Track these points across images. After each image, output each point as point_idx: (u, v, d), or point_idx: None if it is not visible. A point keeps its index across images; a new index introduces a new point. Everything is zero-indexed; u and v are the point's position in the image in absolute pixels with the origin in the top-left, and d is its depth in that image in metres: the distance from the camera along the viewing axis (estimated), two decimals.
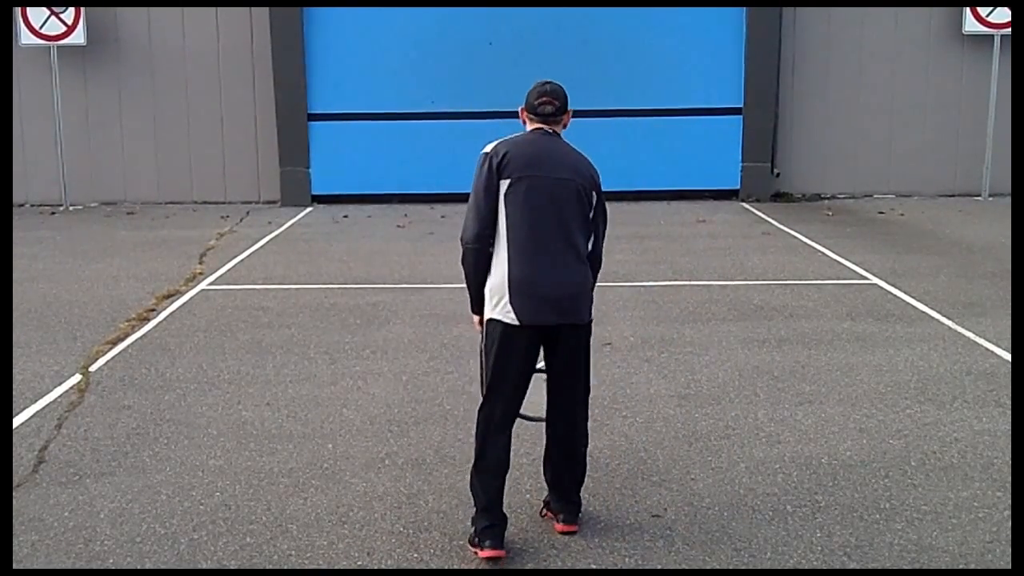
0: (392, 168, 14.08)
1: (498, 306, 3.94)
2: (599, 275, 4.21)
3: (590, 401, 4.23)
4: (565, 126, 4.19)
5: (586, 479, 4.33)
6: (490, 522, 3.95)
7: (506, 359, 3.96)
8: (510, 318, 3.91)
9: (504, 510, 4.04)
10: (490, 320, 3.99)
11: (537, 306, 3.92)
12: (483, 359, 4.05)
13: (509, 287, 3.91)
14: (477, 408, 4.09)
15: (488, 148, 4.06)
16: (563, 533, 4.18)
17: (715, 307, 7.91)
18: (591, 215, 4.07)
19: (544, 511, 4.34)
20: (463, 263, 4.08)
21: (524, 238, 3.93)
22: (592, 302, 4.11)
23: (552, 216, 3.96)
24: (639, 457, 4.97)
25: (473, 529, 4.02)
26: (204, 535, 4.23)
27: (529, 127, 4.15)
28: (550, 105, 4.08)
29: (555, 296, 3.94)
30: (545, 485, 4.34)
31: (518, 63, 13.63)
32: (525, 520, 4.33)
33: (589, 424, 4.26)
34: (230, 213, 13.31)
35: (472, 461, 4.07)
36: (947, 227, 11.67)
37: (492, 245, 4.01)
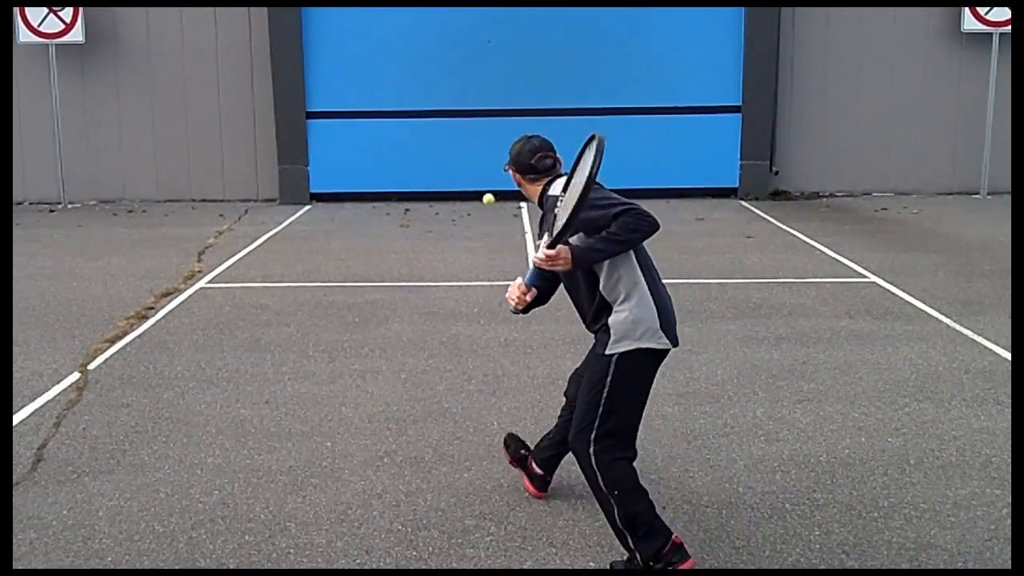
0: (391, 166, 14.08)
1: (645, 335, 3.71)
2: None
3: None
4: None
5: (583, 477, 4.33)
6: (674, 538, 3.74)
7: (647, 388, 3.83)
8: (663, 344, 3.75)
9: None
10: (636, 351, 3.71)
11: (673, 329, 3.81)
12: (615, 395, 3.74)
13: (659, 315, 3.73)
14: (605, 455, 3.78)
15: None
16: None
17: (713, 305, 7.91)
18: None
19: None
20: (646, 231, 3.65)
21: (652, 269, 3.82)
22: None
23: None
24: (637, 455, 4.96)
25: (651, 554, 3.71)
26: (203, 533, 4.23)
27: (537, 188, 3.95)
28: (548, 158, 3.94)
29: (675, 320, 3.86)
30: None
31: (517, 61, 13.65)
32: (524, 519, 4.33)
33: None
34: (228, 211, 13.31)
35: (618, 503, 3.76)
36: (946, 225, 11.68)
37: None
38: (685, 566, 3.69)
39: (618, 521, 3.75)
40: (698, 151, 14.13)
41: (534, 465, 4.51)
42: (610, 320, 3.74)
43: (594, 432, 3.76)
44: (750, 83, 13.86)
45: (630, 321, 3.70)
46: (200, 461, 4.99)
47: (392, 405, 5.76)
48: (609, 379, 3.73)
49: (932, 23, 14.00)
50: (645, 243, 3.77)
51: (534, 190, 3.98)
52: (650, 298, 3.73)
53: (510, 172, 4.02)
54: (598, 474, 3.76)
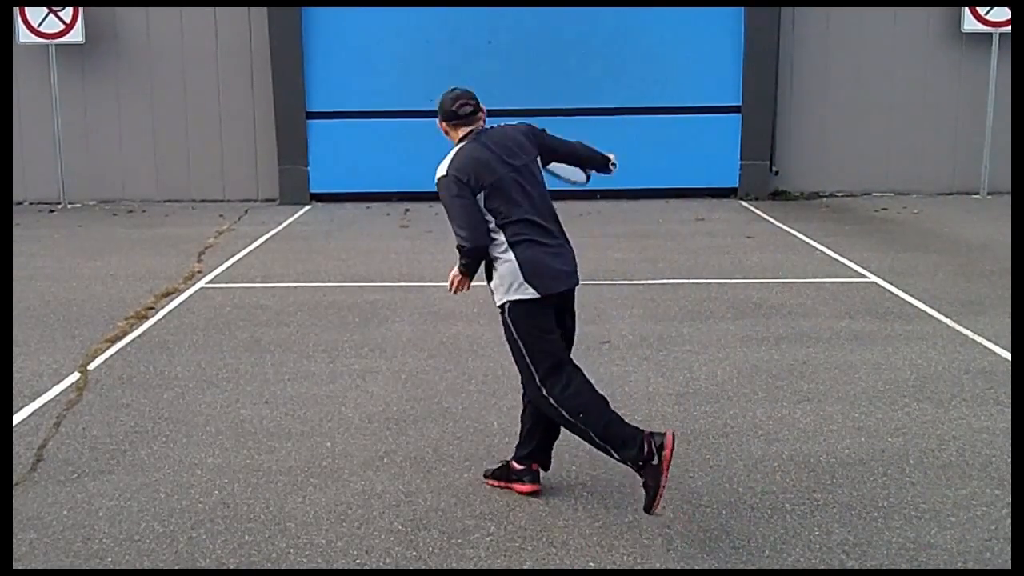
0: (390, 166, 14.07)
1: (512, 289, 4.22)
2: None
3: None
4: (483, 122, 4.43)
5: (584, 478, 4.36)
6: (644, 434, 4.01)
7: (546, 327, 4.23)
8: (530, 294, 4.19)
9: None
10: (510, 302, 4.24)
11: (544, 278, 4.23)
12: (524, 338, 4.22)
13: (522, 270, 4.19)
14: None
15: (446, 172, 4.28)
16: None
17: (714, 305, 7.92)
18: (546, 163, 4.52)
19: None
20: (471, 265, 4.32)
21: (522, 228, 4.23)
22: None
23: (531, 201, 4.28)
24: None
25: (635, 457, 3.99)
26: (203, 533, 4.23)
27: (459, 134, 4.38)
28: (468, 105, 4.34)
29: (564, 270, 4.31)
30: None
31: (517, 62, 13.64)
32: (524, 519, 4.33)
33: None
34: (228, 211, 13.31)
35: (584, 428, 4.11)
36: (946, 225, 11.68)
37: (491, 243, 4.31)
38: (668, 443, 3.95)
39: (596, 440, 4.11)
40: (698, 151, 14.12)
41: (515, 464, 4.56)
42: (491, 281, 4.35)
43: (537, 377, 4.19)
44: (750, 83, 13.86)
45: (498, 278, 4.27)
46: (200, 461, 4.99)
47: (392, 405, 5.76)
48: (512, 328, 4.25)
49: (932, 23, 14.00)
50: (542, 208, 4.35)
51: (456, 135, 4.40)
52: (513, 258, 4.20)
53: (440, 125, 4.48)
54: (561, 410, 4.14)
